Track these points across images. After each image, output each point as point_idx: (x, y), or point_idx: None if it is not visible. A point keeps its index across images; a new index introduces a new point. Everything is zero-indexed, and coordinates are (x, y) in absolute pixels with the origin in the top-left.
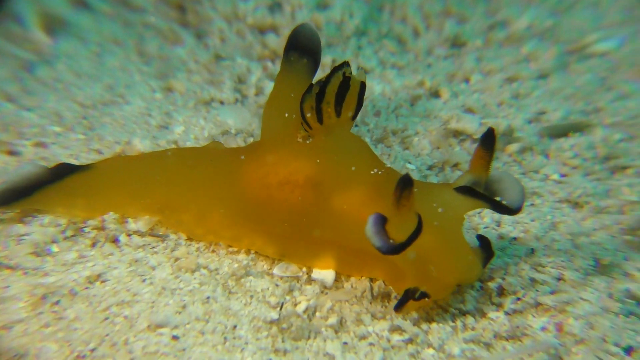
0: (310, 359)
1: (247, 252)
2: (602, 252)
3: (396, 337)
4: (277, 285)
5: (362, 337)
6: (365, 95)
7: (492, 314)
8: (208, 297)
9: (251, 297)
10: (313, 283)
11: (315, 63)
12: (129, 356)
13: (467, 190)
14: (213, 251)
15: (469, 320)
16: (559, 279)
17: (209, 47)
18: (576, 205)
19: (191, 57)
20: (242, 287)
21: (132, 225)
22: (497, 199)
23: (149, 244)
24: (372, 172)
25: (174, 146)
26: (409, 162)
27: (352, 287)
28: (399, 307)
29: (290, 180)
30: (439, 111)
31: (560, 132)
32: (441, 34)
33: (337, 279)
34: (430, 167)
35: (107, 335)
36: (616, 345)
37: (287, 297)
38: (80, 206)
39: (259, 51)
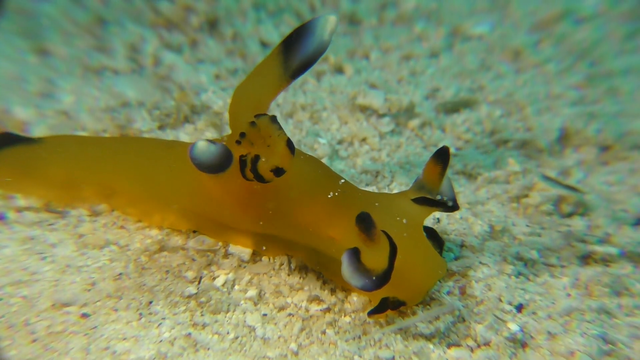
0: (230, 331)
1: (160, 227)
2: (494, 219)
3: (314, 307)
4: (193, 259)
5: (281, 308)
6: None
7: None
8: (120, 274)
9: (167, 272)
10: (230, 257)
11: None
12: (31, 337)
13: (425, 201)
14: (122, 227)
15: None
16: (462, 246)
17: (87, 9)
18: (470, 176)
19: (65, 17)
20: (156, 262)
21: (21, 201)
22: (446, 200)
23: (46, 221)
24: (328, 196)
25: (64, 117)
26: (320, 137)
27: (270, 260)
28: (373, 314)
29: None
30: (345, 87)
31: (453, 108)
32: (337, 11)
33: (254, 252)
34: (339, 142)
35: (1, 317)
36: (509, 303)
37: (205, 272)
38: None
39: (151, 18)
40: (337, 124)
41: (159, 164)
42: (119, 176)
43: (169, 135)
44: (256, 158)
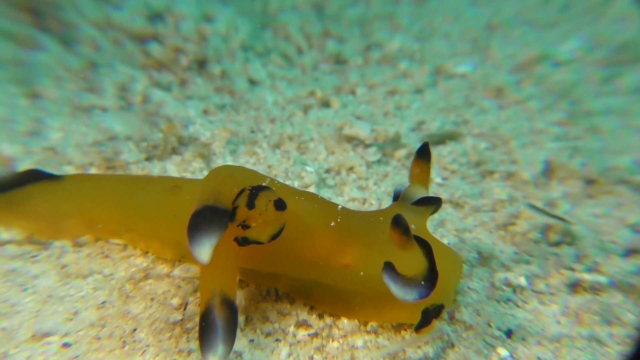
0: None
1: (145, 255)
2: (482, 245)
3: (302, 332)
4: (179, 287)
5: (268, 334)
6: (258, 105)
7: None
8: (103, 302)
9: (152, 299)
10: None
11: None
12: None
13: (427, 201)
14: (106, 256)
15: None
16: None
17: (80, 55)
18: (457, 205)
19: (58, 64)
20: (141, 290)
21: (4, 235)
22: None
23: (28, 253)
24: (331, 225)
25: (50, 152)
26: (307, 165)
27: (256, 286)
28: (421, 329)
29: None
30: (331, 119)
31: (439, 139)
32: (324, 52)
33: (241, 280)
34: (327, 171)
35: None
36: (499, 329)
37: (190, 299)
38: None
39: (141, 60)
40: (325, 154)
41: (145, 195)
42: (102, 208)
43: (156, 166)
44: (251, 228)
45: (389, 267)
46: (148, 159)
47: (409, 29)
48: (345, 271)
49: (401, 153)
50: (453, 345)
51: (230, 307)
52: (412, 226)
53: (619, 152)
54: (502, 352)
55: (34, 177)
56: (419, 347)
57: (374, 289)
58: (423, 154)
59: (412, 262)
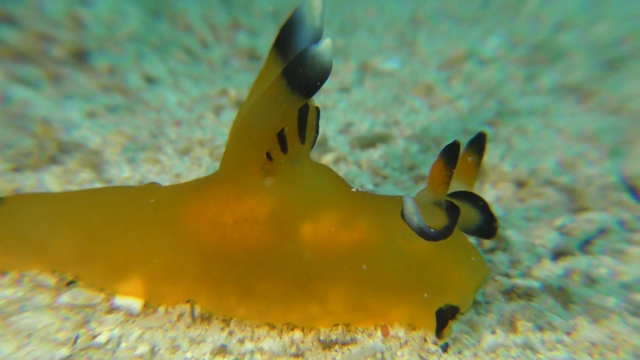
0: None
1: (17, 283)
2: None
3: None
4: (65, 318)
5: None
6: (158, 106)
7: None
8: None
9: (28, 336)
10: (115, 311)
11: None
12: None
13: (466, 196)
14: None
15: (297, 333)
16: None
17: None
18: None
19: None
20: (11, 327)
21: None
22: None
23: None
24: (344, 194)
25: None
26: None
27: (166, 311)
28: (440, 332)
29: (250, 217)
30: None
31: (369, 142)
32: (234, 46)
33: (147, 304)
34: None
35: None
36: (434, 343)
37: (82, 331)
38: None
39: None
40: None
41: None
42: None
43: (29, 177)
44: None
45: (411, 197)
46: (17, 169)
47: (330, 21)
48: (358, 249)
49: (329, 157)
50: None
51: None
52: None
53: (544, 152)
54: None
55: None
56: None
57: (388, 270)
58: (476, 146)
59: (437, 216)
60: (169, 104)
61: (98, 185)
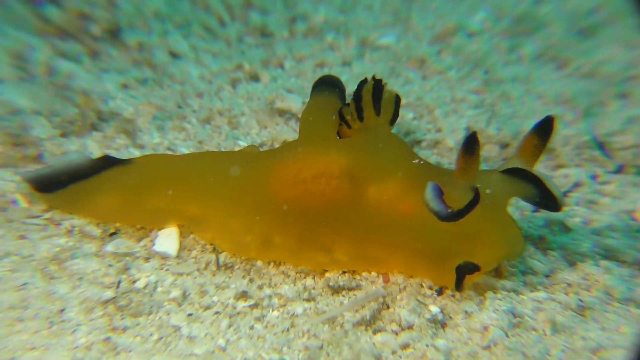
0: (154, 332)
1: (69, 233)
2: None
3: (241, 304)
4: (109, 265)
5: (207, 307)
6: (183, 79)
7: (329, 274)
8: (24, 284)
9: (80, 279)
10: (152, 259)
11: (343, 97)
12: None
13: (516, 172)
14: (22, 237)
15: (309, 280)
16: None
17: None
18: None
19: None
20: (67, 270)
21: None
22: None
23: None
24: (408, 164)
25: None
26: (240, 140)
27: (195, 260)
28: (459, 286)
29: (326, 172)
30: (261, 93)
31: None
32: (247, 24)
33: (182, 249)
34: (260, 145)
35: None
36: (430, 288)
37: (123, 276)
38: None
39: (38, 25)
40: (257, 128)
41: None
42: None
43: (74, 142)
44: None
45: (436, 184)
46: (64, 134)
47: (330, 1)
48: (408, 219)
49: None
50: (388, 307)
51: None
52: (488, 190)
53: (525, 117)
54: (433, 308)
55: (108, 163)
56: (356, 310)
57: (431, 240)
58: (544, 129)
59: (457, 200)
60: (191, 77)
61: (132, 149)
